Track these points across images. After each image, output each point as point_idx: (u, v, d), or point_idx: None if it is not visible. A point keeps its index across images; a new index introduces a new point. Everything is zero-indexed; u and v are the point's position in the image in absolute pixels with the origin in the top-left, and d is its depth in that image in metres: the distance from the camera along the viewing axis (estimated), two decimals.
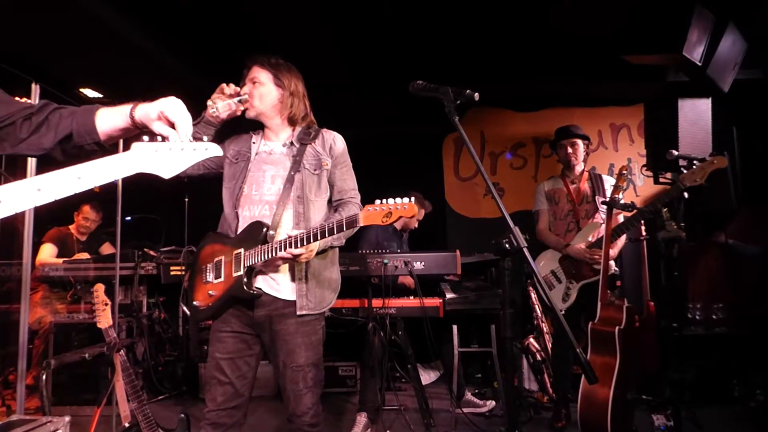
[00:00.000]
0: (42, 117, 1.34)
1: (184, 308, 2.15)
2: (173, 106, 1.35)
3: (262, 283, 2.10)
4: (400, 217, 1.85)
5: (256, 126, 2.31)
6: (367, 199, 1.97)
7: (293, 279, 2.10)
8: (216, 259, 2.13)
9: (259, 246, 2.00)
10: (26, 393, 3.34)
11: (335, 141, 2.29)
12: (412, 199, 1.87)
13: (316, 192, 2.20)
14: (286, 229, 2.08)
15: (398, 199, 1.87)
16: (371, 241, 4.12)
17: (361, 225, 1.90)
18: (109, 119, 1.36)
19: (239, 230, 2.13)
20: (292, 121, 2.25)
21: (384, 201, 1.87)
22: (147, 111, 1.35)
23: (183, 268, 4.70)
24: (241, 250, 2.05)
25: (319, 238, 1.93)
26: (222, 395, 2.06)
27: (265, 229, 2.04)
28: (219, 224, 2.23)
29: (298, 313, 2.08)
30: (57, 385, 3.93)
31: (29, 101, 3.21)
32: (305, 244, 1.94)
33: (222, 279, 2.09)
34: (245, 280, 2.02)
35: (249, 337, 2.12)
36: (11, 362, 3.40)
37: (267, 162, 2.21)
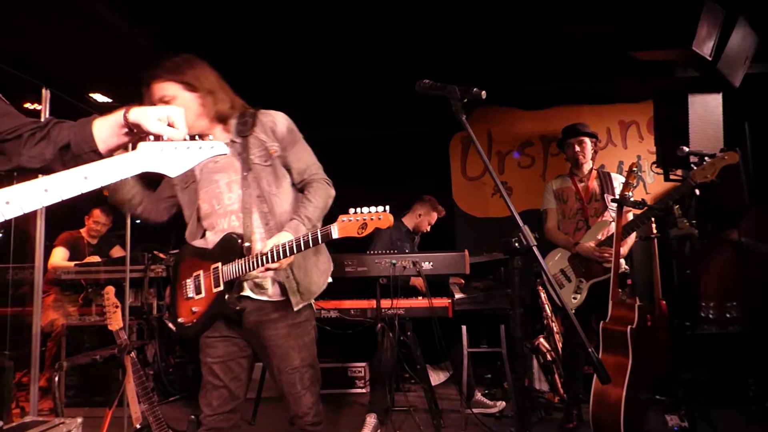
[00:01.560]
0: (45, 131, 1.35)
1: (170, 325, 2.10)
2: (178, 111, 1.36)
3: (248, 289, 2.03)
4: (376, 228, 1.76)
5: None
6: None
7: (280, 278, 2.02)
8: (195, 273, 2.05)
9: (237, 260, 1.92)
10: (39, 395, 3.37)
11: (276, 122, 2.08)
12: (387, 207, 1.78)
13: (275, 183, 2.05)
14: (258, 234, 1.99)
15: (373, 209, 1.78)
16: (386, 240, 4.13)
17: (336, 237, 1.80)
18: (105, 126, 1.36)
19: (212, 245, 2.04)
20: (221, 119, 2.04)
21: (358, 211, 1.78)
22: (143, 112, 1.34)
23: None
24: (219, 265, 1.97)
25: (288, 254, 1.83)
26: (217, 399, 2.03)
27: (240, 241, 1.96)
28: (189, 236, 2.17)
29: (295, 309, 2.02)
30: (69, 387, 3.98)
31: (39, 107, 3.24)
32: (279, 259, 1.84)
33: (203, 295, 2.02)
34: (226, 296, 1.95)
35: (239, 340, 2.07)
36: (24, 364, 3.43)
37: (216, 171, 2.06)
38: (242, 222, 1.99)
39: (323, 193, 2.09)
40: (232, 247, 1.96)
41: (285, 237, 1.89)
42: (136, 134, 1.36)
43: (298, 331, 2.06)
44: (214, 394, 2.03)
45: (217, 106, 2.00)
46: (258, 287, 2.03)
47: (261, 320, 2.02)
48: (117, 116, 1.35)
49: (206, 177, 2.08)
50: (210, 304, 1.99)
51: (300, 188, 2.11)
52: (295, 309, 2.03)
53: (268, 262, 1.85)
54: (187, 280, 2.07)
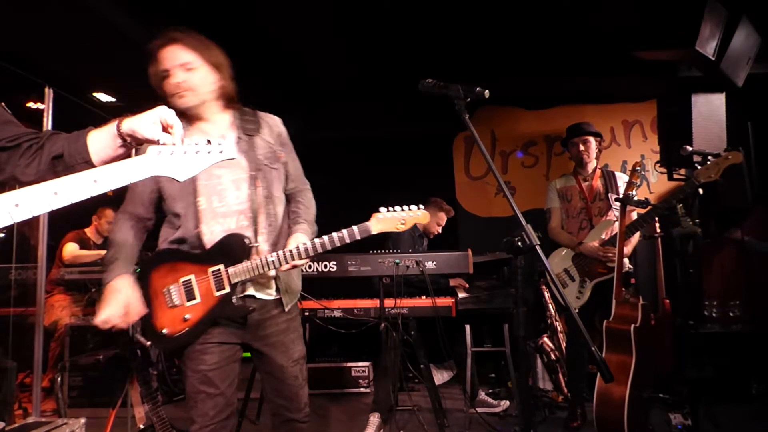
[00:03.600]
0: (41, 143, 1.35)
1: (143, 341, 2.02)
2: (168, 112, 1.35)
3: (251, 289, 1.98)
4: (414, 224, 1.87)
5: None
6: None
7: (276, 276, 2.02)
8: (182, 279, 1.92)
9: (247, 262, 1.88)
10: (42, 395, 3.38)
11: (279, 126, 2.10)
12: (421, 206, 1.92)
13: (279, 188, 2.05)
14: (262, 237, 1.96)
15: (413, 207, 1.93)
16: (408, 240, 4.17)
17: (374, 233, 1.92)
18: (99, 138, 1.35)
19: (207, 246, 1.93)
20: (228, 98, 2.02)
21: (395, 208, 1.90)
22: (136, 120, 1.33)
23: None
24: (220, 267, 1.89)
25: (328, 247, 1.88)
26: (213, 408, 1.91)
27: (247, 241, 1.90)
28: (165, 242, 1.99)
29: (286, 309, 2.03)
30: (72, 387, 3.97)
31: (42, 106, 3.25)
32: (308, 255, 1.88)
33: (198, 300, 1.90)
34: (234, 297, 1.90)
35: (233, 344, 2.00)
36: (27, 365, 3.44)
37: (219, 166, 1.91)
38: (250, 221, 1.95)
39: (314, 202, 2.18)
40: (237, 248, 1.90)
41: (303, 238, 1.95)
42: (130, 145, 1.36)
43: (295, 325, 2.09)
44: (210, 403, 1.91)
45: (225, 82, 1.99)
46: (261, 286, 2.00)
47: (263, 317, 2.00)
48: (110, 127, 1.35)
49: (206, 170, 2.00)
50: (210, 308, 1.90)
51: (290, 197, 2.13)
52: (286, 309, 2.04)
53: (294, 259, 1.87)
54: (170, 287, 1.93)
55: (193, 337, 1.91)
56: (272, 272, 1.98)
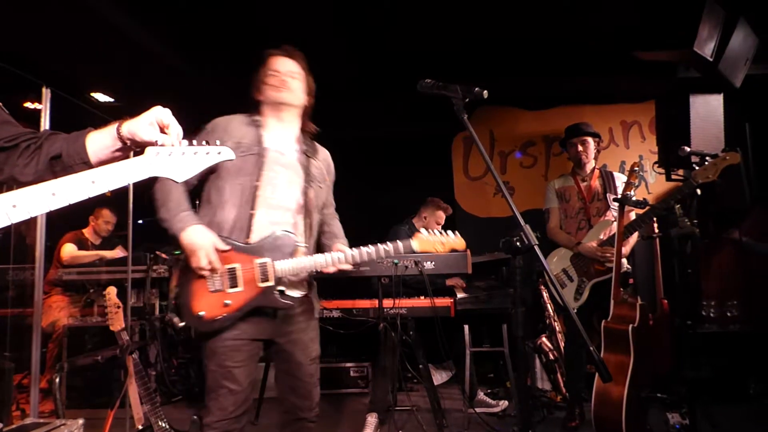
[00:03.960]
0: (39, 143, 1.35)
1: (175, 320, 2.03)
2: (164, 112, 1.36)
3: (283, 286, 2.06)
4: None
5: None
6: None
7: (310, 277, 2.19)
8: (227, 266, 1.98)
9: (295, 259, 2.01)
10: (40, 396, 3.36)
11: (329, 160, 2.35)
12: (457, 233, 2.17)
13: (320, 206, 2.25)
14: (302, 239, 2.11)
15: (450, 233, 2.17)
16: None
17: (417, 251, 2.16)
18: (98, 140, 1.36)
19: (252, 234, 2.02)
20: (305, 124, 2.25)
21: (435, 232, 2.16)
22: (135, 123, 1.34)
23: None
24: (267, 261, 1.98)
25: (374, 257, 2.10)
26: (233, 405, 1.98)
27: (297, 242, 2.04)
28: (214, 224, 2.03)
29: (316, 315, 2.21)
30: (71, 388, 3.96)
31: (39, 106, 3.24)
32: (354, 261, 2.10)
33: (241, 288, 1.98)
34: (277, 290, 2.00)
35: (259, 342, 2.08)
36: (25, 366, 3.43)
37: (279, 164, 2.11)
38: (294, 221, 2.11)
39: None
40: (286, 246, 2.02)
41: (346, 249, 2.16)
42: (129, 148, 1.36)
43: (314, 324, 2.22)
44: (231, 399, 1.97)
45: (309, 105, 2.24)
46: (293, 284, 2.10)
47: (289, 314, 2.10)
48: (111, 130, 1.36)
49: (270, 163, 2.09)
50: (252, 297, 1.98)
51: (321, 216, 2.30)
52: (316, 315, 2.22)
53: (340, 263, 2.08)
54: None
55: (228, 322, 1.98)
56: (305, 273, 2.11)
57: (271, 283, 1.98)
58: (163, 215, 1.99)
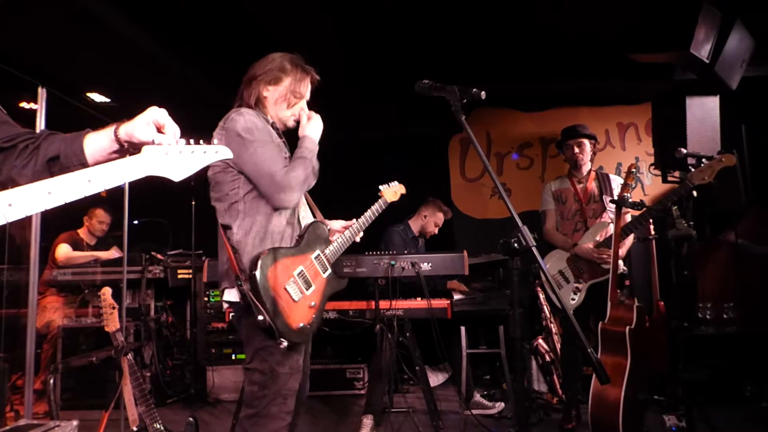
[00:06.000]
0: (36, 144, 1.35)
1: (283, 341, 1.90)
2: (161, 112, 1.36)
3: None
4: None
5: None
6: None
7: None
8: (295, 271, 2.01)
9: (333, 243, 2.22)
10: (34, 397, 3.35)
11: None
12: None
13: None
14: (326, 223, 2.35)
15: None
16: (399, 243, 4.16)
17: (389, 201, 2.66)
18: (96, 141, 1.36)
19: (295, 235, 2.11)
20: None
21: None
22: (131, 124, 1.34)
23: (190, 271, 4.71)
24: (318, 252, 2.15)
25: (370, 220, 2.50)
26: (295, 405, 2.03)
27: (327, 227, 2.27)
28: (269, 233, 2.01)
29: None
30: (65, 389, 3.94)
31: (35, 106, 3.23)
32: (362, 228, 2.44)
33: (315, 287, 2.09)
34: (335, 272, 2.20)
35: None
36: (19, 367, 3.41)
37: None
38: (306, 206, 2.27)
39: None
40: (322, 233, 2.22)
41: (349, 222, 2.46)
42: (126, 150, 1.36)
43: None
44: (294, 401, 2.01)
45: None
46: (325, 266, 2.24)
47: None
48: (108, 132, 1.36)
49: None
50: (324, 289, 2.14)
51: None
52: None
53: (359, 234, 2.41)
54: (289, 283, 1.97)
55: (320, 318, 2.16)
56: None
57: (330, 271, 2.17)
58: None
